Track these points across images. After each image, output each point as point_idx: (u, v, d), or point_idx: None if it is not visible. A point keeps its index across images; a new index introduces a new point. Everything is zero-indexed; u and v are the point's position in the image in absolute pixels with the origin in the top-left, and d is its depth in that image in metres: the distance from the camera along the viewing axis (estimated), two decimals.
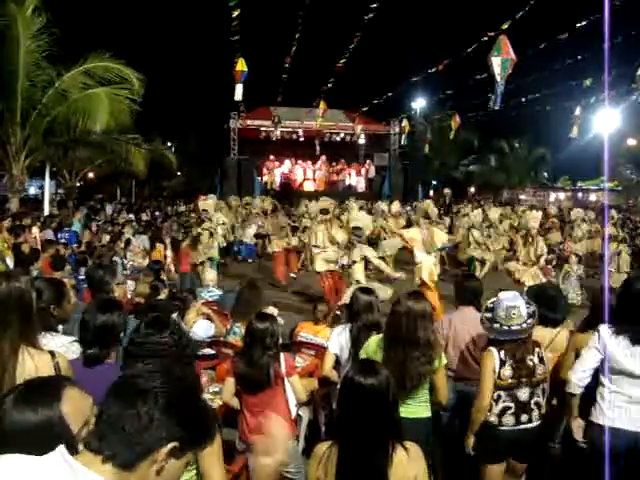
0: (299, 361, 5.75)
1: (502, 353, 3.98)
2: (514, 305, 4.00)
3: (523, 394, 3.96)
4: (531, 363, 3.97)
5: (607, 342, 3.79)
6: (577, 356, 4.16)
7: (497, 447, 4.05)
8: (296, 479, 4.25)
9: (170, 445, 1.56)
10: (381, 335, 4.23)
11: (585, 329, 4.33)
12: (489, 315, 4.08)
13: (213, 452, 2.59)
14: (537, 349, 4.05)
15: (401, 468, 2.57)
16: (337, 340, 4.82)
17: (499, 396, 3.98)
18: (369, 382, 2.61)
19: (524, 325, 3.98)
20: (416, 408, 4.02)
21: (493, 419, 3.98)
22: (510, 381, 3.95)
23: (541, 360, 4.03)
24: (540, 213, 12.55)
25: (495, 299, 4.15)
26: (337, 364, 4.86)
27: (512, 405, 3.96)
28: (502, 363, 3.97)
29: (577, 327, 4.64)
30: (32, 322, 2.92)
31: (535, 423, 4.00)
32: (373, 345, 4.19)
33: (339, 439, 2.66)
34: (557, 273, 12.17)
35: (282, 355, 4.24)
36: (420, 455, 2.66)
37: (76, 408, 1.79)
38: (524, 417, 3.97)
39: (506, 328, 3.97)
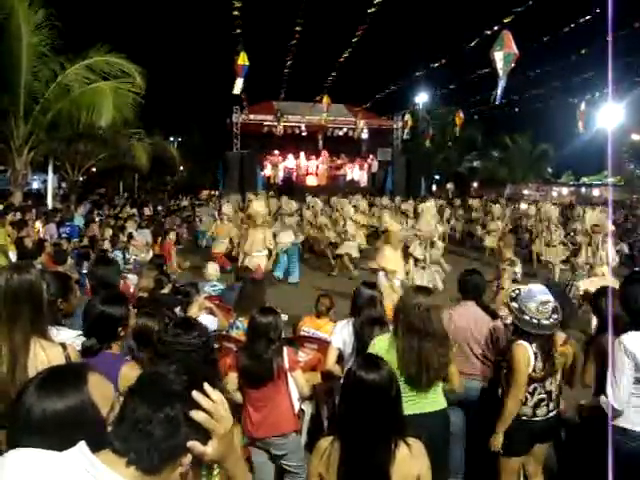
0: (302, 355, 5.76)
1: (534, 346, 4.00)
2: (547, 300, 4.01)
3: (550, 385, 4.06)
4: (554, 355, 4.06)
5: (634, 350, 3.71)
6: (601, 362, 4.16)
7: (527, 439, 4.10)
8: (299, 473, 4.27)
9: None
10: (388, 335, 4.19)
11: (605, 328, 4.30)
12: (516, 305, 4.08)
13: (236, 452, 2.58)
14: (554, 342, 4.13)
15: (404, 465, 2.57)
16: (340, 334, 4.83)
17: (535, 389, 4.02)
18: (371, 377, 2.61)
19: (552, 320, 4.01)
20: (435, 400, 4.01)
21: (527, 411, 4.03)
22: (542, 373, 4.01)
23: (556, 350, 4.13)
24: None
25: (522, 289, 4.15)
26: (340, 359, 4.87)
27: (545, 396, 4.04)
28: (535, 356, 4.00)
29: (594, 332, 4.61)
30: (43, 314, 2.93)
31: (556, 410, 4.12)
32: (381, 345, 4.15)
33: (341, 434, 2.66)
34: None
35: (285, 349, 4.24)
36: (423, 453, 2.65)
37: (102, 392, 1.76)
38: (552, 405, 4.07)
39: (536, 322, 3.98)
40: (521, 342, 4.02)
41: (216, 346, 6.02)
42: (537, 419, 4.03)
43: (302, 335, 6.38)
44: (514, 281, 8.08)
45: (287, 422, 4.23)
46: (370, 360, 2.84)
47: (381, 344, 4.12)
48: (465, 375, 4.80)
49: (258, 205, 12.62)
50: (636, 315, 3.82)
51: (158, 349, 2.87)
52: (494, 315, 5.00)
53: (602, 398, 3.81)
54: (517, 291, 4.18)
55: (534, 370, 3.99)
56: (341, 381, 4.35)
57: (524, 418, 4.03)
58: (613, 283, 9.07)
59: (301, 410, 4.88)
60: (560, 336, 4.54)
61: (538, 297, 4.01)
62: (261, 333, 4.15)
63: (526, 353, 3.99)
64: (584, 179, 57.11)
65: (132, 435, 1.49)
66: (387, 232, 9.74)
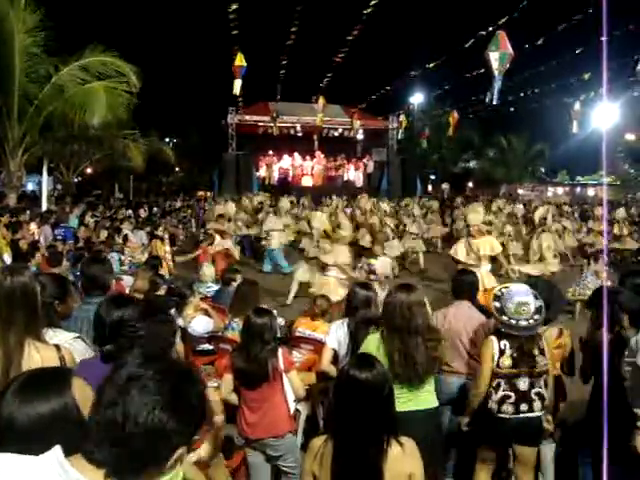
0: (297, 356, 5.76)
1: (502, 342, 4.02)
2: (525, 301, 4.03)
3: (523, 384, 4.01)
4: (532, 354, 4.01)
5: None
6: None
7: (496, 433, 4.12)
8: (294, 473, 4.27)
9: (178, 452, 1.46)
10: (377, 334, 4.21)
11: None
12: (498, 305, 4.10)
13: (220, 461, 2.58)
14: (540, 341, 4.08)
15: (396, 464, 2.57)
16: (335, 335, 4.83)
17: (498, 384, 4.03)
18: (364, 376, 2.61)
19: (531, 322, 4.02)
20: (426, 398, 4.04)
21: (493, 406, 4.05)
22: (510, 371, 4.00)
23: (542, 352, 4.06)
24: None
25: (505, 289, 4.16)
26: (335, 359, 4.87)
27: (512, 394, 4.01)
28: (501, 352, 4.02)
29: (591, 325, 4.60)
30: (37, 316, 2.92)
31: (537, 413, 4.05)
32: (372, 343, 4.17)
33: (334, 433, 2.67)
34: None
35: (280, 350, 4.24)
36: (416, 451, 2.66)
37: (84, 396, 1.76)
38: (524, 406, 4.01)
39: (514, 322, 4.01)
40: (490, 337, 4.09)
41: (211, 347, 6.04)
42: (504, 416, 4.02)
43: (297, 336, 6.38)
44: None
45: (283, 423, 4.23)
46: (363, 359, 2.85)
47: (372, 343, 4.15)
48: (460, 374, 4.83)
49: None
50: None
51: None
52: (489, 314, 5.01)
53: None
54: (501, 291, 4.19)
55: (498, 365, 4.01)
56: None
57: (491, 413, 4.06)
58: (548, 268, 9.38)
59: (297, 411, 4.88)
60: (553, 330, 4.56)
61: (516, 298, 4.03)
62: (256, 334, 4.15)
63: (490, 347, 4.05)
64: (579, 179, 57.22)
65: (108, 443, 1.39)
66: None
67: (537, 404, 4.03)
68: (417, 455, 2.64)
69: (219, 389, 4.48)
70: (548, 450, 4.58)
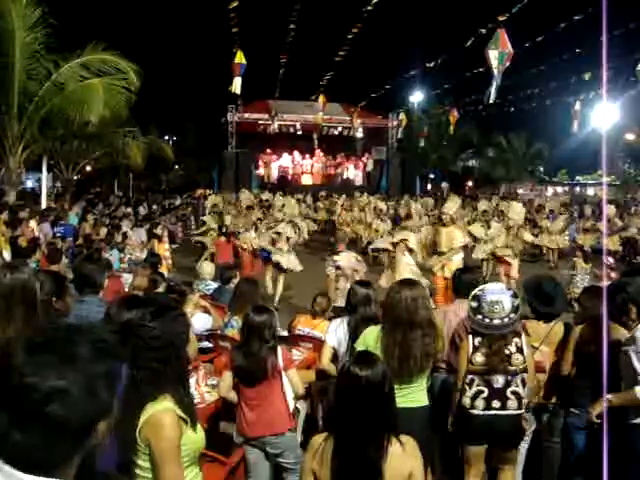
0: (296, 354, 5.76)
1: (477, 340, 4.07)
2: (498, 300, 4.06)
3: (497, 381, 4.02)
4: (507, 352, 4.02)
5: None
6: (576, 350, 4.26)
7: (470, 429, 4.13)
8: (295, 470, 4.27)
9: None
10: (379, 326, 4.26)
11: (580, 323, 4.39)
12: (475, 304, 4.14)
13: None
14: (516, 339, 4.09)
15: (396, 461, 2.57)
16: (335, 333, 4.83)
17: (472, 380, 4.07)
18: (365, 374, 2.61)
19: (505, 320, 4.03)
20: (418, 396, 4.08)
21: (466, 402, 4.07)
22: (482, 367, 4.04)
23: (519, 350, 4.06)
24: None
25: (482, 289, 4.18)
26: (335, 358, 4.87)
27: (485, 390, 4.03)
28: (475, 349, 4.06)
29: (574, 321, 4.65)
30: (36, 313, 2.92)
31: (511, 411, 4.03)
32: (369, 336, 4.21)
33: (335, 430, 2.66)
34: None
35: (279, 348, 4.24)
36: (416, 449, 2.66)
37: None
38: (496, 403, 4.01)
39: (487, 321, 4.05)
40: (468, 335, 4.17)
41: (211, 345, 6.04)
42: (475, 412, 4.03)
43: (297, 334, 6.38)
44: None
45: (282, 421, 4.23)
46: (364, 357, 2.86)
47: (369, 336, 4.20)
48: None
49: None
50: None
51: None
52: None
53: (637, 389, 3.76)
54: (479, 290, 4.21)
55: (471, 362, 4.05)
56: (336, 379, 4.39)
57: (465, 409, 4.08)
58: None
59: (296, 409, 4.87)
60: (559, 326, 4.56)
61: (489, 297, 4.07)
62: (255, 332, 4.15)
63: (465, 345, 4.13)
64: (579, 178, 57.20)
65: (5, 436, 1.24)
66: None
67: (512, 403, 4.01)
68: (417, 453, 2.64)
69: (217, 387, 4.50)
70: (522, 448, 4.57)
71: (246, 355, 4.13)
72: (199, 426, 2.75)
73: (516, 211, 13.52)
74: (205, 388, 4.76)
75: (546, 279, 5.06)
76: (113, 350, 1.37)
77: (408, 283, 4.22)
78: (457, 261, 9.94)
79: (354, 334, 4.69)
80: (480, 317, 4.06)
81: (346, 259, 8.80)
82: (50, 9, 16.37)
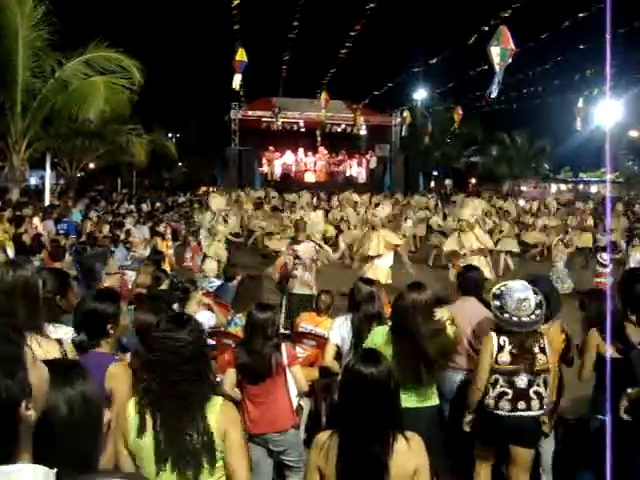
0: (300, 351, 5.74)
1: (502, 339, 4.01)
2: (525, 297, 4.01)
3: (521, 381, 3.98)
4: (532, 352, 3.99)
5: None
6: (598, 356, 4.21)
7: (493, 430, 4.10)
8: (298, 467, 4.27)
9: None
10: (387, 327, 4.25)
11: (592, 326, 4.35)
12: (498, 304, 4.09)
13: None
14: (540, 339, 4.06)
15: (401, 458, 2.57)
16: (338, 331, 4.83)
17: (496, 380, 4.01)
18: (370, 371, 2.61)
19: (533, 317, 4.01)
20: (427, 396, 4.08)
21: (490, 402, 4.02)
22: (507, 367, 3.98)
23: (542, 350, 4.03)
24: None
25: (504, 287, 4.15)
26: (338, 355, 4.86)
27: (510, 391, 3.98)
28: (500, 348, 4.00)
29: (583, 325, 4.60)
30: (39, 310, 2.91)
31: (535, 412, 4.01)
32: (380, 337, 4.20)
33: (340, 428, 2.66)
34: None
35: (283, 345, 4.24)
36: (421, 446, 2.65)
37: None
38: (521, 404, 3.98)
39: (516, 320, 3.99)
40: (490, 334, 4.08)
41: (213, 342, 6.03)
42: (501, 413, 3.99)
43: (300, 331, 6.38)
44: None
45: (285, 418, 4.23)
46: (369, 354, 2.85)
47: (379, 336, 4.18)
48: (463, 370, 4.82)
49: None
50: None
51: (149, 343, 2.84)
52: None
53: None
54: (500, 289, 4.18)
55: (496, 362, 3.99)
56: (339, 377, 4.39)
57: (488, 409, 4.04)
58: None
59: (300, 406, 4.87)
60: (557, 326, 4.55)
61: (516, 295, 4.02)
62: (259, 329, 4.14)
63: (489, 343, 4.04)
64: (582, 176, 57.10)
65: None
66: None
67: (535, 403, 3.99)
68: (422, 450, 2.64)
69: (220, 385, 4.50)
70: (549, 447, 4.57)
71: (250, 352, 4.13)
72: None
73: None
74: None
75: (542, 279, 5.04)
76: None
77: (417, 287, 4.20)
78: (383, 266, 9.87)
79: (357, 331, 4.69)
80: (507, 316, 4.01)
81: (305, 249, 9.21)
82: (53, 7, 16.42)
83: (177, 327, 2.75)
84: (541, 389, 4.01)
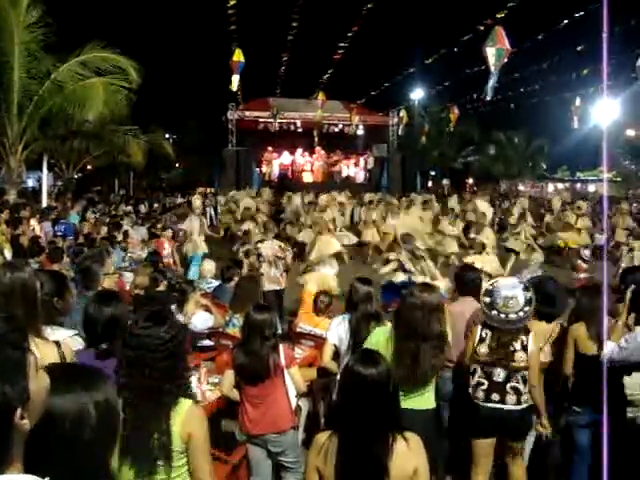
0: (298, 352, 5.75)
1: (484, 331, 4.13)
2: (512, 295, 4.09)
3: (498, 376, 4.08)
4: (511, 348, 4.06)
5: None
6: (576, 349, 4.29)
7: (475, 420, 4.20)
8: (295, 468, 4.27)
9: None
10: (388, 326, 4.26)
11: (576, 321, 4.39)
12: (487, 300, 4.17)
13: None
14: (523, 337, 4.11)
15: (401, 459, 2.56)
16: (336, 331, 4.83)
17: (475, 370, 4.16)
18: (369, 372, 2.60)
19: (521, 314, 4.07)
20: (425, 399, 4.09)
21: (470, 391, 4.18)
22: (485, 358, 4.10)
23: (524, 348, 4.08)
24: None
25: (495, 284, 4.19)
26: (336, 355, 4.87)
27: (485, 382, 4.11)
28: (481, 340, 4.13)
29: (569, 319, 4.64)
30: (37, 312, 2.91)
31: (509, 406, 4.07)
32: (380, 337, 4.21)
33: (339, 429, 2.66)
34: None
35: (281, 346, 4.24)
36: (421, 446, 2.65)
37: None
38: (495, 396, 4.07)
39: (503, 317, 4.07)
40: (477, 325, 4.24)
41: (212, 343, 6.04)
42: (477, 402, 4.11)
43: (298, 332, 6.39)
44: None
45: (284, 418, 4.23)
46: (368, 355, 2.85)
47: (379, 336, 4.22)
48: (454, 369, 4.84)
49: None
50: None
51: (126, 340, 2.84)
52: None
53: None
54: (491, 286, 4.23)
55: (476, 352, 4.14)
56: (337, 377, 4.39)
57: (470, 398, 4.17)
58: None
59: (298, 406, 4.88)
60: (556, 325, 4.57)
61: (503, 292, 4.11)
62: (256, 330, 4.14)
63: (474, 334, 4.20)
64: (579, 175, 57.13)
65: None
66: None
67: (511, 397, 4.06)
68: (422, 450, 2.64)
69: (218, 385, 4.50)
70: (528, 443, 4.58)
71: (247, 353, 4.13)
72: None
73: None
74: (207, 386, 4.75)
75: (547, 279, 5.07)
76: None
77: (427, 288, 4.22)
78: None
79: (355, 331, 4.70)
80: (495, 312, 4.10)
81: (269, 247, 9.70)
82: (49, 8, 16.39)
83: (156, 324, 2.79)
84: (520, 385, 4.08)
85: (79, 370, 1.74)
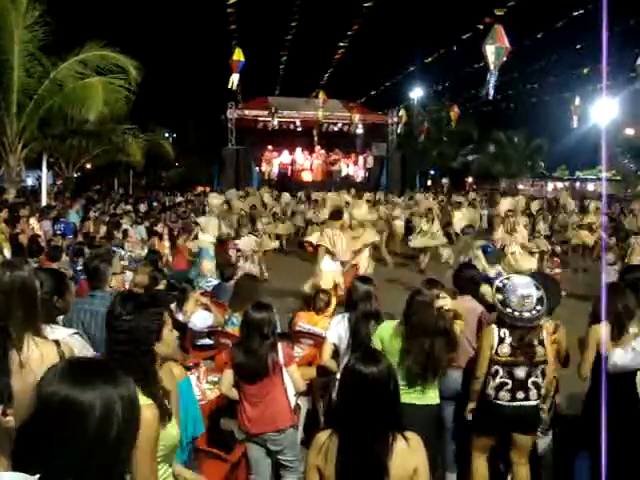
0: (297, 351, 5.76)
1: (503, 331, 4.10)
2: (528, 294, 4.09)
3: (520, 372, 4.09)
4: (531, 344, 4.08)
5: None
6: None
7: (493, 420, 4.20)
8: (294, 467, 4.27)
9: None
10: (393, 323, 4.29)
11: (595, 322, 4.37)
12: (500, 297, 4.15)
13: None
14: (540, 333, 4.14)
15: (401, 458, 2.56)
16: (336, 329, 4.83)
17: (497, 371, 4.12)
18: (369, 370, 2.60)
19: (534, 312, 4.08)
20: (429, 394, 4.15)
21: (490, 392, 4.13)
22: (508, 359, 4.08)
23: (541, 342, 4.12)
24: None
25: (507, 282, 4.19)
26: (336, 354, 4.87)
27: (509, 382, 4.09)
28: (501, 340, 4.10)
29: (588, 320, 4.60)
30: (36, 311, 2.90)
31: (532, 402, 4.12)
32: (387, 332, 4.23)
33: (339, 428, 2.65)
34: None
35: (280, 345, 4.24)
36: (421, 446, 2.65)
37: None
38: (520, 394, 4.09)
39: (517, 315, 4.07)
40: (491, 326, 4.18)
41: (211, 342, 6.04)
42: (501, 403, 4.10)
43: (298, 330, 6.39)
44: None
45: (283, 417, 4.23)
46: (368, 353, 2.85)
47: (385, 331, 4.27)
48: (462, 368, 4.84)
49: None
50: None
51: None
52: (492, 308, 5.01)
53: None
54: (502, 283, 4.23)
55: (497, 353, 4.09)
56: (337, 376, 4.40)
57: (488, 399, 4.14)
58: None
59: (297, 405, 4.88)
60: (550, 324, 4.57)
61: (519, 291, 4.10)
62: (255, 329, 4.15)
63: (490, 335, 4.14)
64: (578, 174, 57.13)
65: None
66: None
67: (533, 393, 4.11)
68: (422, 449, 2.64)
69: (218, 384, 4.50)
70: (543, 443, 4.59)
71: (246, 352, 4.14)
72: (174, 422, 2.73)
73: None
74: (206, 385, 4.76)
75: (539, 276, 5.08)
76: None
77: (435, 284, 4.25)
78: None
79: (354, 330, 4.71)
80: (510, 310, 4.09)
81: (246, 242, 10.50)
82: (49, 7, 16.39)
83: (128, 312, 2.67)
84: (539, 379, 4.12)
85: (101, 365, 1.71)
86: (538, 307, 4.08)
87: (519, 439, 4.24)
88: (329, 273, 8.97)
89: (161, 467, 2.63)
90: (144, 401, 2.45)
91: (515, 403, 4.09)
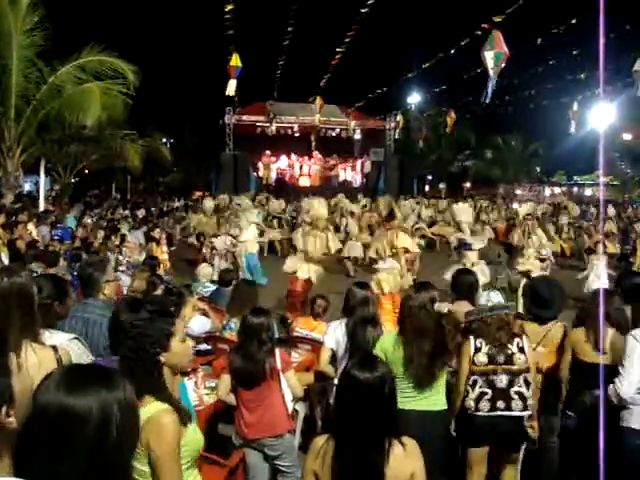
0: (295, 356, 5.75)
1: (478, 340, 4.08)
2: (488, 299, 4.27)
3: (500, 381, 4.02)
4: (509, 351, 4.04)
5: None
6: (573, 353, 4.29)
7: (474, 432, 4.12)
8: (291, 472, 4.26)
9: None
10: (394, 333, 4.28)
11: (578, 325, 4.40)
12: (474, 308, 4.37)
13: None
14: (517, 339, 4.11)
15: (398, 464, 2.56)
16: (333, 335, 4.84)
17: (475, 381, 4.06)
18: (364, 376, 2.60)
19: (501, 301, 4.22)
20: (438, 398, 4.12)
21: (470, 404, 4.06)
22: (486, 367, 4.04)
23: (521, 350, 4.08)
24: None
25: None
26: (333, 359, 4.87)
27: (489, 391, 4.02)
28: (477, 349, 4.07)
29: (572, 323, 4.64)
30: (34, 317, 2.90)
31: (516, 412, 4.02)
32: (386, 343, 4.22)
33: (336, 433, 2.65)
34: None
35: (277, 350, 4.24)
36: (417, 451, 2.65)
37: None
38: (500, 404, 4.00)
39: (489, 305, 4.19)
40: (469, 336, 4.16)
41: (209, 347, 6.04)
42: (479, 414, 4.02)
43: (295, 336, 6.38)
44: None
45: (281, 423, 4.23)
46: (366, 359, 2.84)
47: (387, 342, 4.22)
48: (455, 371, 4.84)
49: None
50: None
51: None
52: None
53: (610, 387, 3.81)
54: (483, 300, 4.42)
55: (474, 363, 4.05)
56: (334, 381, 4.40)
57: (469, 412, 4.06)
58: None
59: (295, 410, 4.88)
60: (558, 329, 4.57)
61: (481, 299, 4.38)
62: (253, 334, 4.15)
63: (467, 347, 4.11)
64: (576, 178, 57.26)
65: None
66: None
67: (517, 403, 4.00)
68: (418, 454, 2.64)
69: (215, 389, 4.50)
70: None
71: (244, 357, 4.13)
72: (197, 426, 2.73)
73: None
74: (204, 390, 4.75)
75: (541, 282, 5.08)
76: None
77: (423, 288, 4.25)
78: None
79: (352, 335, 4.70)
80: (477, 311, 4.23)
81: (221, 241, 11.27)
82: (48, 12, 16.42)
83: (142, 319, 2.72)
84: (523, 389, 4.03)
85: (98, 370, 1.72)
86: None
87: (501, 453, 4.19)
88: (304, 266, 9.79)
89: (189, 474, 2.62)
90: (160, 406, 2.48)
91: (495, 413, 3.99)
